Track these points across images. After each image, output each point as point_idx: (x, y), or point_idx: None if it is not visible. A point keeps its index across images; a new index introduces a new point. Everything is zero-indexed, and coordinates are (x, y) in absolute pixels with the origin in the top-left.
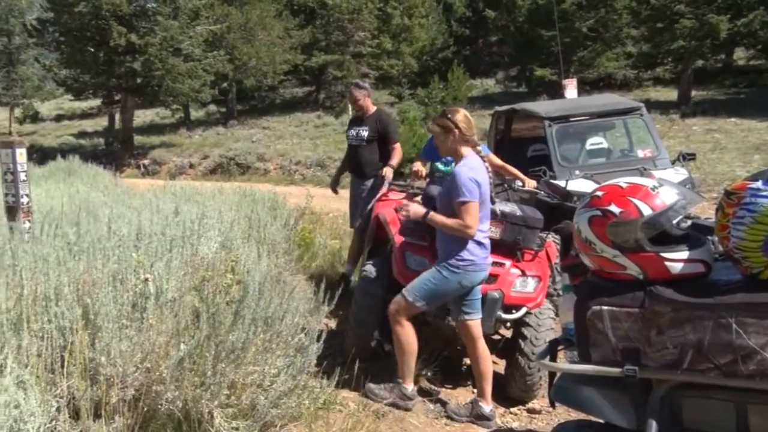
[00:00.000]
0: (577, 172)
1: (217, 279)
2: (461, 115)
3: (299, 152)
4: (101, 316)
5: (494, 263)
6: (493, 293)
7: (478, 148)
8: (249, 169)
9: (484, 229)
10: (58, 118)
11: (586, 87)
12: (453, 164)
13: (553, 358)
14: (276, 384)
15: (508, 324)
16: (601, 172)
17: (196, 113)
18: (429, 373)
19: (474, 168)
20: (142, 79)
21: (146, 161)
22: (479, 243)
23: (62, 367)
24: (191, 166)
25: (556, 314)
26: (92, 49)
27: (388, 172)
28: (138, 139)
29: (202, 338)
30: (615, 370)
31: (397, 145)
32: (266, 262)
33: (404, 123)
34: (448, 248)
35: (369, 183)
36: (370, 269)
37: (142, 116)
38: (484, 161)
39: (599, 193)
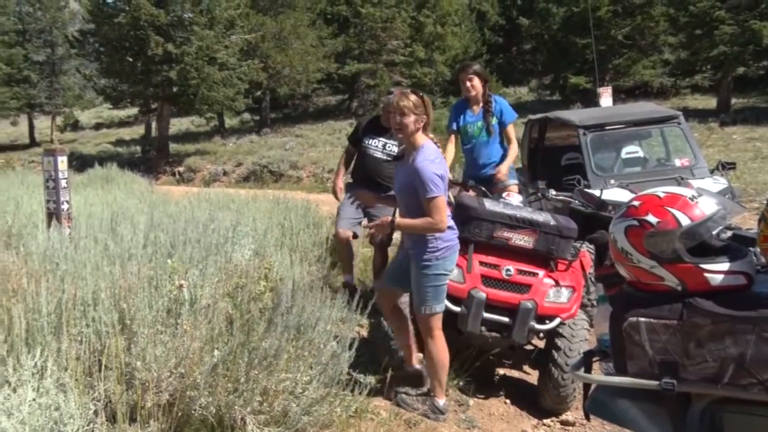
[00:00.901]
0: (612, 181)
1: (251, 286)
2: (428, 99)
3: (332, 160)
4: (137, 321)
5: (527, 273)
6: (526, 303)
7: (431, 135)
8: (282, 177)
9: (450, 213)
10: (97, 127)
11: (621, 95)
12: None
13: (588, 370)
14: (308, 391)
15: (542, 334)
16: (636, 181)
17: (230, 121)
18: (461, 383)
19: (434, 160)
20: (178, 87)
21: (181, 168)
22: (449, 227)
23: (99, 370)
24: (225, 173)
25: (591, 325)
26: (130, 59)
27: None
28: (173, 146)
29: (235, 345)
30: (652, 383)
31: None
32: (299, 269)
33: (436, 131)
34: (422, 245)
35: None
36: None
37: (178, 124)
38: (437, 144)
39: (636, 203)
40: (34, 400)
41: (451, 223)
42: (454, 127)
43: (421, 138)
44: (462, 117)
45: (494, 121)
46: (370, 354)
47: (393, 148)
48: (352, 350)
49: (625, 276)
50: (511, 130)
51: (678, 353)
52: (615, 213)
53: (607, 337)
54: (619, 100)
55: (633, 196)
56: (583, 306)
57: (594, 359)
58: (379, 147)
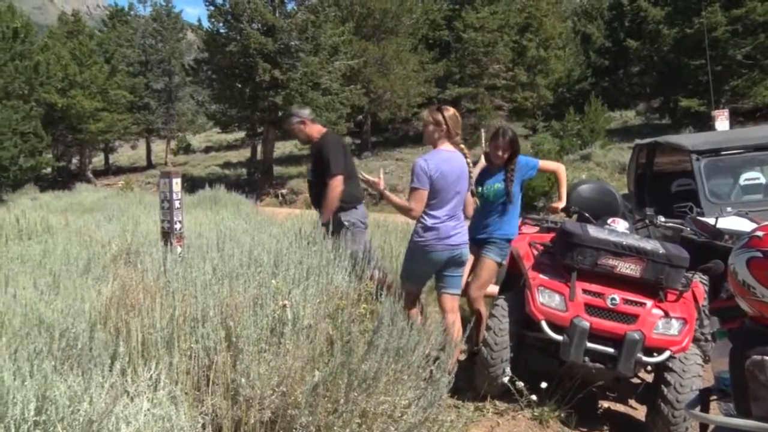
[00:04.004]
0: (728, 208)
1: (351, 308)
2: (452, 114)
3: None
4: (242, 339)
5: (634, 302)
6: (632, 334)
7: (461, 146)
8: (382, 200)
9: (438, 216)
10: (207, 150)
11: (739, 118)
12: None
13: (705, 409)
14: (407, 415)
15: (650, 368)
16: (758, 209)
17: None
18: (562, 415)
19: (429, 159)
20: (283, 112)
21: (284, 191)
22: (428, 228)
23: (207, 385)
24: None
25: (705, 360)
26: (239, 85)
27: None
28: (277, 169)
29: (336, 366)
30: None
31: (334, 181)
32: (399, 292)
33: (538, 156)
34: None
35: (346, 221)
36: (503, 304)
37: (282, 148)
38: (466, 156)
39: (760, 233)
40: (148, 410)
41: (437, 226)
42: (477, 188)
43: (441, 144)
44: (483, 179)
45: (514, 186)
46: (468, 380)
47: (310, 166)
48: (451, 375)
49: (746, 310)
50: (544, 164)
51: None
52: (733, 243)
53: (727, 375)
54: (737, 123)
55: (754, 225)
56: (695, 340)
57: (711, 398)
58: (308, 168)
